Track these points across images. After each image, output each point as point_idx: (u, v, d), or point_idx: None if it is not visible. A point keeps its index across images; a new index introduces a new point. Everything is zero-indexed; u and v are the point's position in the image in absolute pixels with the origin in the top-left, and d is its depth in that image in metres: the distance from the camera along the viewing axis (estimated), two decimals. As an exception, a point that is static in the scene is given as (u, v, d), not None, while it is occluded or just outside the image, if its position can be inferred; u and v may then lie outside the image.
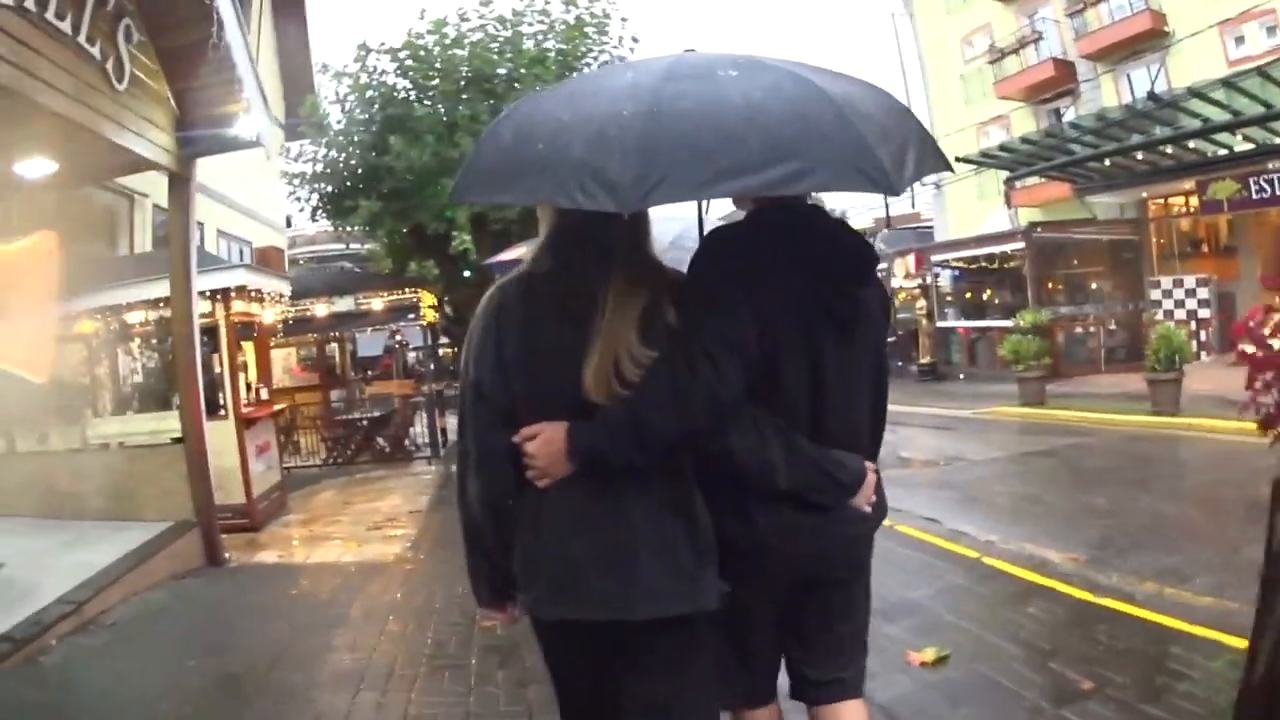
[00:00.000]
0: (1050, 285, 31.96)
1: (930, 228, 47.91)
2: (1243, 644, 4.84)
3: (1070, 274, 32.81)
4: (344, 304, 23.14)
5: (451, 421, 23.83)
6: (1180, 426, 19.20)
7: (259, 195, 26.69)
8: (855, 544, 3.87)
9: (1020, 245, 31.26)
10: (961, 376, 33.49)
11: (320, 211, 25.13)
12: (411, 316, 24.02)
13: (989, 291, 35.71)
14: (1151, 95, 23.34)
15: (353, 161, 23.62)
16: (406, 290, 23.71)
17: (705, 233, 3.78)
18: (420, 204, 22.49)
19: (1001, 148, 29.33)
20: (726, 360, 3.26)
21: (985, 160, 29.68)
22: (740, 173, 2.80)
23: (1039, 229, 31.24)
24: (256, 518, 14.77)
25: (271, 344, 22.67)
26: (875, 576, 4.23)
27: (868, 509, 3.75)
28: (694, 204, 4.45)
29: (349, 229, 26.03)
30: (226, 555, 12.75)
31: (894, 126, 3.23)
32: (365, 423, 22.98)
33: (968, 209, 39.19)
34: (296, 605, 10.67)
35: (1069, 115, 33.65)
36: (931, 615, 8.52)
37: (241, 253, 27.91)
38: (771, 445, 3.47)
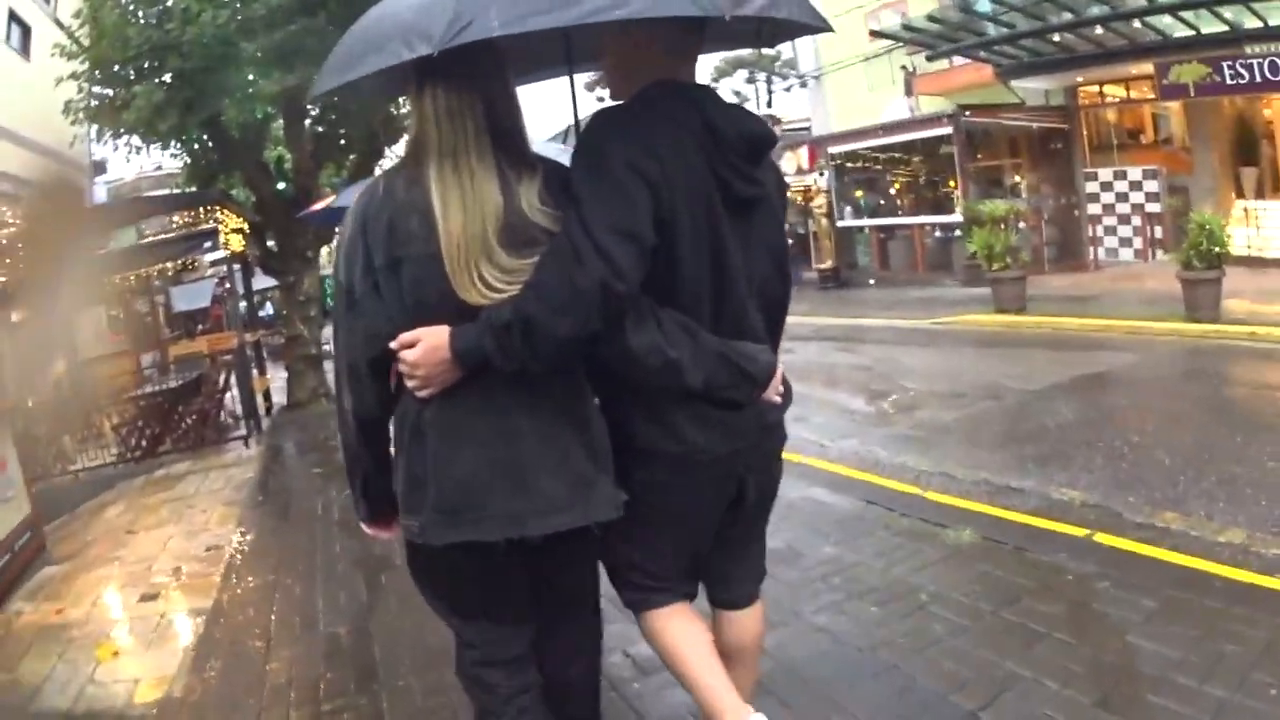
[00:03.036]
0: (952, 182, 27.50)
1: (805, 127, 41.05)
2: None
3: (992, 166, 28.23)
4: (126, 238, 15.93)
5: (278, 379, 21.22)
6: (1238, 335, 14.62)
7: (57, 130, 19.44)
8: (772, 433, 3.44)
9: (946, 131, 26.51)
10: (872, 282, 29.10)
11: (90, 123, 17.99)
12: (209, 245, 17.29)
13: (897, 186, 30.98)
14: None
15: (129, 49, 16.13)
16: (203, 212, 16.63)
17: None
18: (217, 86, 15.41)
19: (930, 17, 24.29)
20: (621, 251, 2.81)
21: (905, 35, 25.08)
22: (553, 8, 2.65)
23: (968, 113, 26.32)
24: (-14, 588, 8.89)
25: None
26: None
27: (777, 399, 3.35)
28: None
29: (123, 138, 18.06)
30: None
31: None
32: (160, 398, 16.42)
33: (854, 101, 33.19)
34: None
35: None
36: None
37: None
38: (676, 342, 3.03)
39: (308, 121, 19.15)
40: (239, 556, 9.42)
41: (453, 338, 2.88)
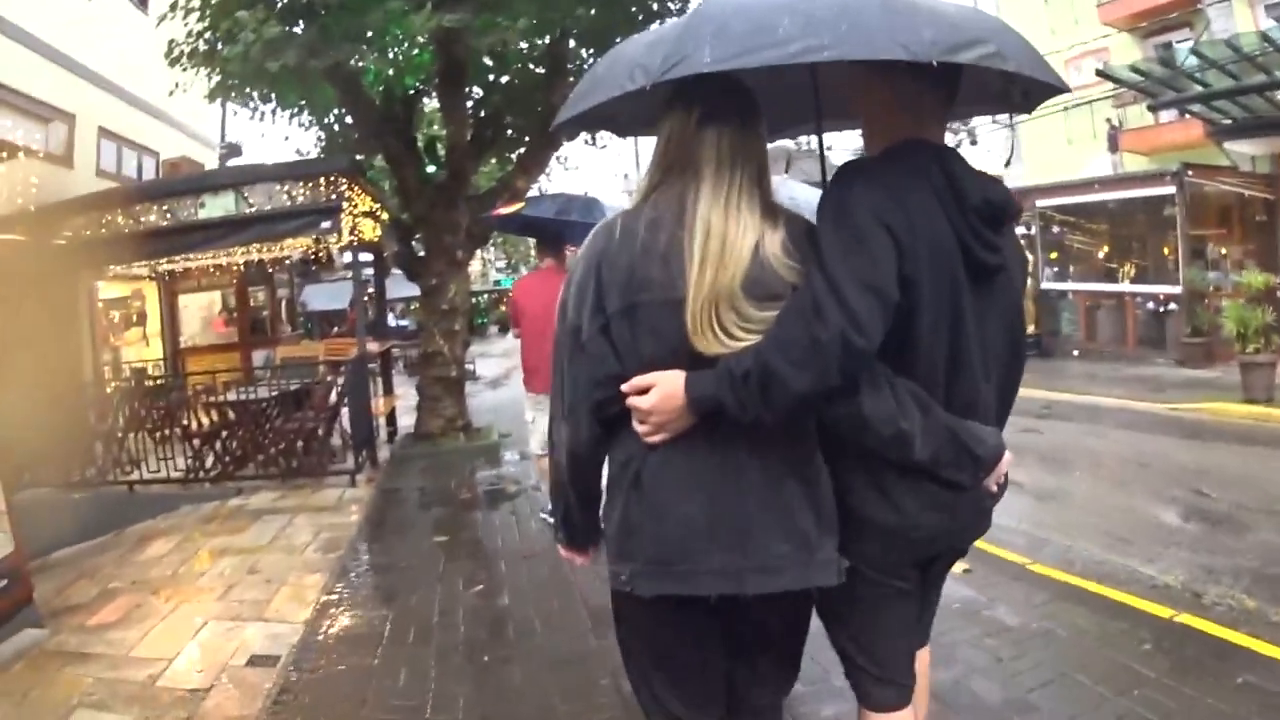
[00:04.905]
0: (1167, 249, 23.88)
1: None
2: None
3: (1197, 235, 24.20)
4: (219, 205, 12.31)
5: (407, 398, 17.36)
6: None
7: (182, 100, 16.71)
8: (984, 517, 3.16)
9: (1168, 191, 22.69)
10: (1075, 353, 25.37)
11: (195, 68, 13.70)
12: (327, 225, 12.69)
13: (1106, 249, 26.90)
14: None
15: None
16: (324, 183, 12.70)
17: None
18: (352, 28, 11.58)
19: (1163, 62, 21.41)
20: (863, 304, 2.62)
21: (1132, 78, 21.19)
22: (763, 48, 2.52)
23: (1190, 173, 22.58)
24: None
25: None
26: None
27: (994, 489, 3.09)
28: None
29: (225, 83, 13.86)
30: None
31: (965, 25, 2.67)
32: (250, 406, 12.67)
33: (1051, 155, 30.62)
34: None
35: (1183, 48, 24.04)
36: None
37: (139, 164, 21.04)
38: (909, 413, 2.79)
39: (470, 104, 15.53)
40: (295, 688, 5.85)
41: (688, 385, 2.73)
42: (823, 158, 3.73)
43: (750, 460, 2.78)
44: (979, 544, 3.46)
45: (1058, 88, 2.97)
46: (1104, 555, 7.81)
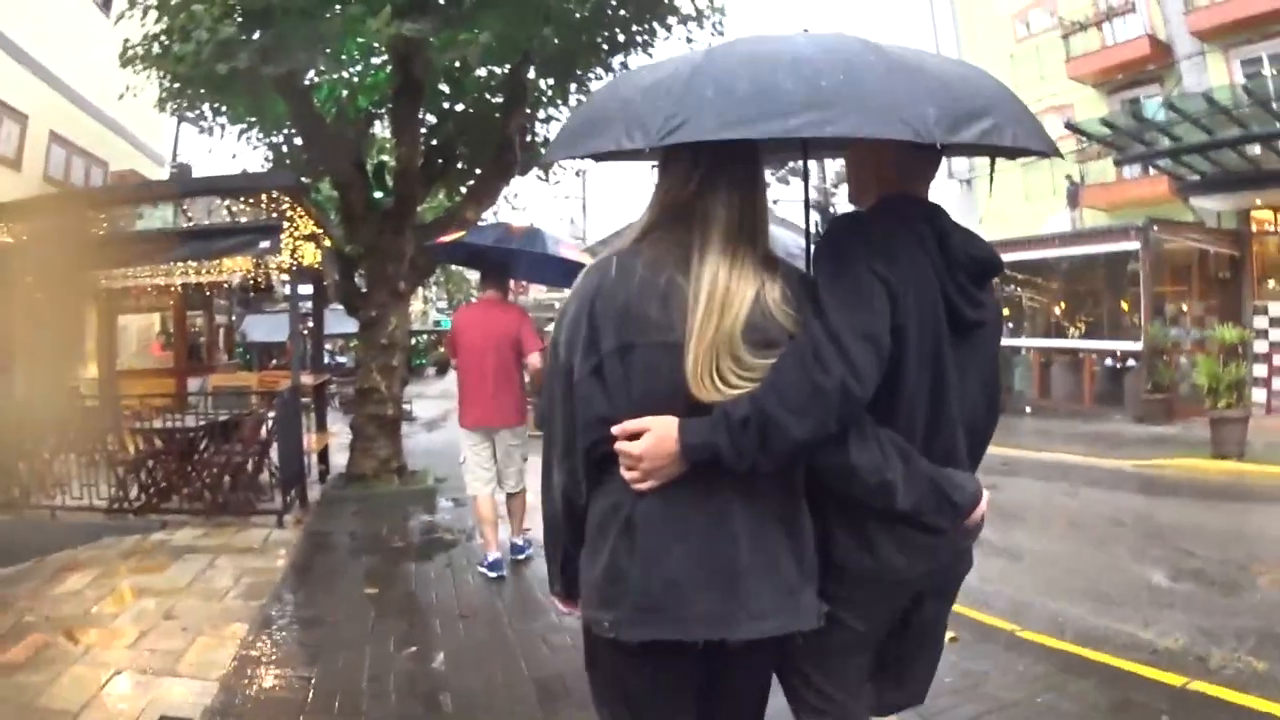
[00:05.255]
0: (1126, 305, 24.72)
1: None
2: None
3: (1157, 292, 24.49)
4: (156, 218, 11.82)
5: (341, 436, 16.53)
6: None
7: (136, 112, 17.91)
8: (963, 557, 3.18)
9: (1132, 246, 22.92)
10: (1028, 410, 25.43)
11: (146, 69, 13.39)
12: (266, 245, 11.93)
13: (1062, 306, 27.61)
14: None
15: None
16: (266, 201, 12.10)
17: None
18: (310, 37, 11.06)
19: (1134, 115, 22.03)
20: (861, 353, 2.66)
21: (1102, 132, 22.25)
22: (766, 118, 2.50)
23: (1156, 227, 22.78)
24: None
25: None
26: None
27: (970, 529, 3.12)
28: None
29: (172, 88, 13.86)
30: None
31: (966, 94, 2.74)
32: (177, 435, 11.91)
33: (1009, 210, 30.13)
34: None
35: (1152, 103, 25.18)
36: None
37: (87, 173, 20.76)
38: (892, 463, 2.81)
39: (423, 131, 14.93)
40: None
41: (683, 431, 2.67)
42: (806, 190, 3.90)
43: (740, 508, 2.74)
44: (962, 609, 3.25)
45: (1049, 154, 3.02)
46: (1096, 620, 7.45)
